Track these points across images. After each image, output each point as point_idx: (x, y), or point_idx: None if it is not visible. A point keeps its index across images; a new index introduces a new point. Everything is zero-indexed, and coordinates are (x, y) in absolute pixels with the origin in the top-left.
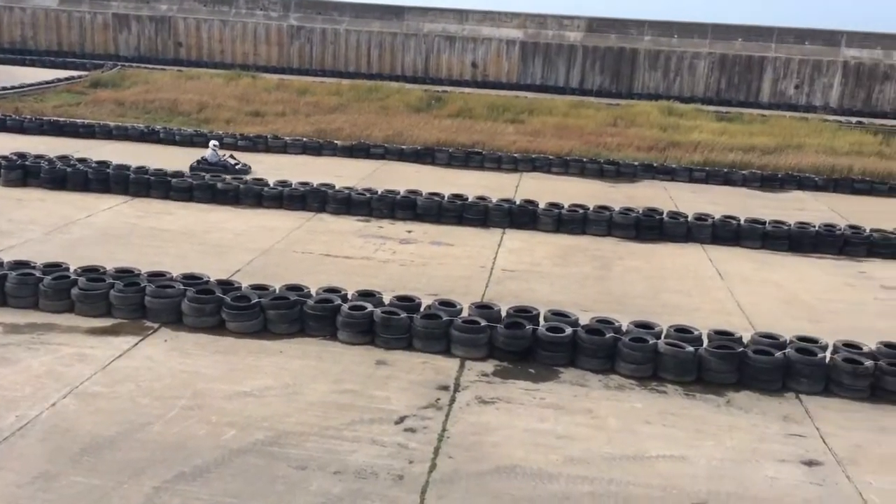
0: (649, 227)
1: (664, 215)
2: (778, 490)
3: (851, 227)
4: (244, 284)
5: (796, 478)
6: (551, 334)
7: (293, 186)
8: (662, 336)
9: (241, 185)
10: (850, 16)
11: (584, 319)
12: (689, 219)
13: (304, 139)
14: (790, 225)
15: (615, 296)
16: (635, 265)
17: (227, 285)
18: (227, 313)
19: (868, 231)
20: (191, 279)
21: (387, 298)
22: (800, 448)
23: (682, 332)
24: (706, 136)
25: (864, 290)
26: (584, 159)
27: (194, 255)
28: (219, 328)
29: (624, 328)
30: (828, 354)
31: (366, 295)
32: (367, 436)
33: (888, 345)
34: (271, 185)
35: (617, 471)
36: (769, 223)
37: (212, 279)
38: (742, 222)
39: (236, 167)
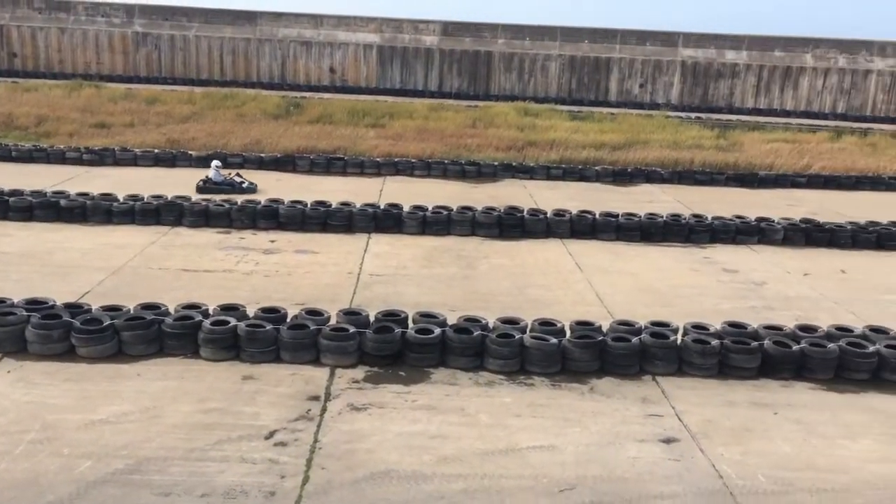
0: (511, 225)
1: (525, 213)
2: (640, 469)
3: (695, 216)
4: (94, 306)
5: (656, 456)
6: (420, 336)
7: (145, 200)
8: (528, 330)
9: (88, 201)
10: (686, 17)
11: (453, 319)
12: (549, 215)
13: (156, 150)
14: (641, 217)
15: (482, 294)
16: (500, 263)
17: (75, 308)
18: (77, 338)
19: (710, 219)
20: (35, 304)
21: (251, 311)
22: (658, 427)
23: (547, 325)
24: (561, 134)
25: (709, 274)
26: (446, 161)
27: (38, 278)
28: (69, 355)
29: (491, 325)
30: (679, 337)
31: (228, 309)
32: (235, 454)
33: (732, 324)
34: (121, 199)
35: (490, 465)
36: (622, 216)
37: (58, 303)
38: (597, 216)
39: (243, 185)
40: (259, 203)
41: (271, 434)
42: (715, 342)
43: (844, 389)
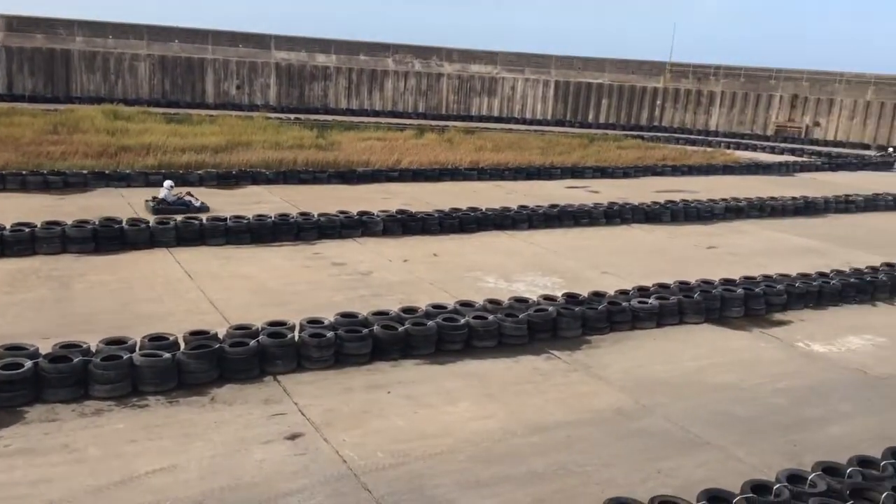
0: (110, 238)
1: (124, 223)
2: (268, 470)
3: (302, 214)
4: None
5: (282, 454)
6: (6, 372)
7: None
8: (137, 349)
9: None
10: (278, 19)
11: (47, 348)
12: (151, 223)
13: None
14: (249, 218)
15: (81, 316)
16: (100, 279)
17: None
18: None
19: (317, 216)
20: None
21: None
22: (283, 426)
23: (158, 340)
24: (157, 138)
25: (320, 269)
26: (25, 172)
27: None
28: None
29: (94, 348)
30: (296, 334)
31: None
32: None
33: (344, 314)
34: None
35: (104, 501)
36: (230, 218)
37: None
38: (205, 221)
39: (197, 206)
40: None
41: None
42: (330, 334)
43: (445, 360)
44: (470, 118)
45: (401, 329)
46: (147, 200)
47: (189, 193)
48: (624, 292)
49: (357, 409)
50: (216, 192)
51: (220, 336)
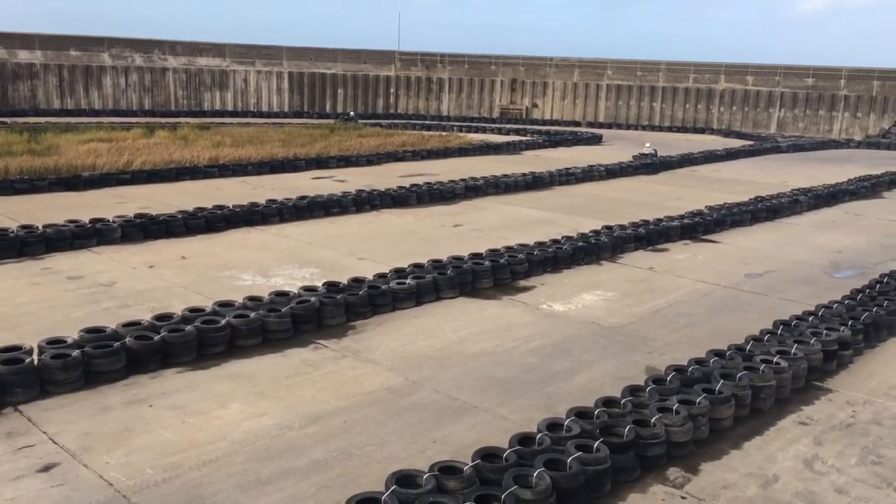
0: None
1: None
2: None
3: (24, 227)
4: None
5: (37, 489)
6: None
7: None
8: None
9: None
10: None
11: None
12: None
13: None
14: None
15: None
16: None
17: None
18: None
19: (42, 228)
20: None
21: None
22: (33, 458)
23: None
24: None
25: (53, 285)
26: None
27: None
28: None
29: None
30: (35, 357)
31: None
32: None
33: (89, 330)
34: None
35: None
36: None
37: None
38: None
39: None
40: None
41: None
42: (76, 353)
43: (209, 364)
44: (203, 113)
45: (156, 338)
46: None
47: None
48: (382, 275)
49: (118, 428)
50: None
51: None
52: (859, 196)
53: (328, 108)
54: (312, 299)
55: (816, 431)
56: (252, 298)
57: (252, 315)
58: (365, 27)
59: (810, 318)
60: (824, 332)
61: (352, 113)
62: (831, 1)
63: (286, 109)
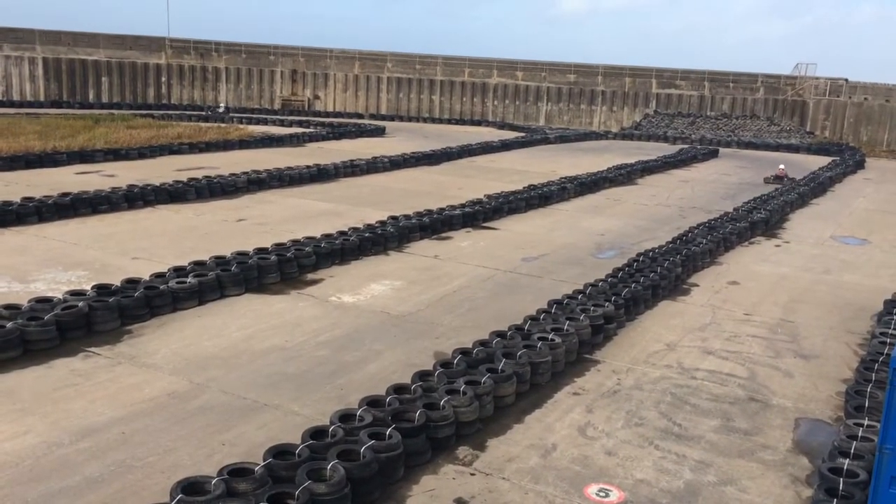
0: None
1: None
2: None
3: None
4: None
5: None
6: None
7: None
8: None
9: None
10: None
11: None
12: None
13: None
14: None
15: None
16: None
17: None
18: None
19: None
20: None
21: None
22: None
23: None
24: None
25: None
26: None
27: None
28: None
29: None
30: None
31: None
32: None
33: None
34: None
35: None
36: None
37: None
38: None
39: None
40: None
41: None
42: None
43: None
44: None
45: None
46: None
47: None
48: (160, 275)
49: None
50: None
51: None
52: (617, 183)
53: (91, 97)
54: (80, 304)
55: (588, 400)
56: (8, 307)
57: (9, 325)
58: (129, 10)
59: (579, 297)
60: (591, 308)
61: (223, 106)
62: (588, 2)
63: (42, 99)
